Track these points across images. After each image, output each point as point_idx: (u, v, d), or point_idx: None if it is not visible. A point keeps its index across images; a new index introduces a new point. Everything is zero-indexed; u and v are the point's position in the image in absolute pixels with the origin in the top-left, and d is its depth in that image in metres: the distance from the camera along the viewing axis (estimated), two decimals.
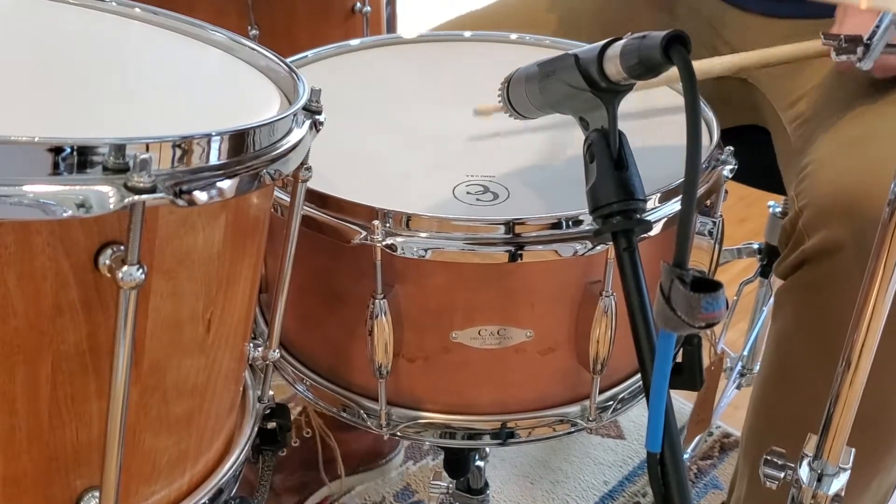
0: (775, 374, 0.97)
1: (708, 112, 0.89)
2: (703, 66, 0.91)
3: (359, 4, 1.25)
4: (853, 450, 0.71)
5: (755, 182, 1.18)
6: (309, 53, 1.01)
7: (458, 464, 0.95)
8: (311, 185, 0.68)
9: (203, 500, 0.65)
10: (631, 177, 0.62)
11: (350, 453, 1.27)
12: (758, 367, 1.26)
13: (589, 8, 1.17)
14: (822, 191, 0.86)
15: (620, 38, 0.62)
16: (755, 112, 1.14)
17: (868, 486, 0.92)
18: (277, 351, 0.72)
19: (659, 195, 0.75)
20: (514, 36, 1.09)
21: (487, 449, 1.00)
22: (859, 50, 0.85)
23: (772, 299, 1.15)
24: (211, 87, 0.70)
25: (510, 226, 0.71)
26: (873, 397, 0.69)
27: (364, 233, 0.72)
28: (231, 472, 0.68)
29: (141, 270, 0.49)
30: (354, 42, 1.06)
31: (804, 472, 0.71)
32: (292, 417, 1.28)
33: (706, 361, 0.82)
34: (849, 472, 0.71)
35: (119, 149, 0.47)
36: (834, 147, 0.90)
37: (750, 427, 1.03)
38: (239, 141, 0.54)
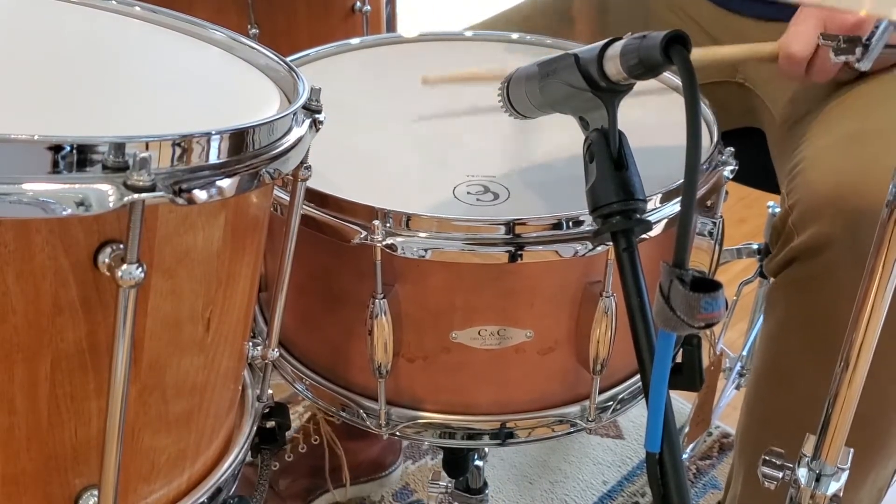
0: (768, 371, 0.97)
1: (708, 113, 0.89)
2: None
3: (359, 3, 1.24)
4: (851, 450, 0.71)
5: (753, 182, 1.18)
6: (309, 52, 1.01)
7: (458, 463, 0.95)
8: (311, 184, 0.68)
9: (202, 499, 0.65)
10: (631, 177, 0.62)
11: (355, 463, 1.28)
12: None
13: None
14: (813, 188, 0.86)
15: (620, 38, 0.62)
16: (751, 115, 1.14)
17: (863, 484, 0.92)
18: (277, 350, 0.72)
19: (660, 195, 0.75)
20: (514, 35, 1.09)
21: (486, 449, 1.00)
22: (858, 50, 0.85)
23: None
24: (211, 86, 0.69)
25: (510, 226, 0.71)
26: (869, 395, 0.69)
27: (364, 232, 0.72)
28: (230, 470, 0.68)
29: (140, 269, 0.49)
30: (354, 41, 1.06)
31: (802, 472, 0.71)
32: (301, 423, 1.29)
33: (706, 361, 0.82)
34: (847, 472, 0.71)
35: (119, 147, 0.47)
36: (825, 144, 0.90)
37: (744, 424, 1.03)
38: (239, 140, 0.54)
